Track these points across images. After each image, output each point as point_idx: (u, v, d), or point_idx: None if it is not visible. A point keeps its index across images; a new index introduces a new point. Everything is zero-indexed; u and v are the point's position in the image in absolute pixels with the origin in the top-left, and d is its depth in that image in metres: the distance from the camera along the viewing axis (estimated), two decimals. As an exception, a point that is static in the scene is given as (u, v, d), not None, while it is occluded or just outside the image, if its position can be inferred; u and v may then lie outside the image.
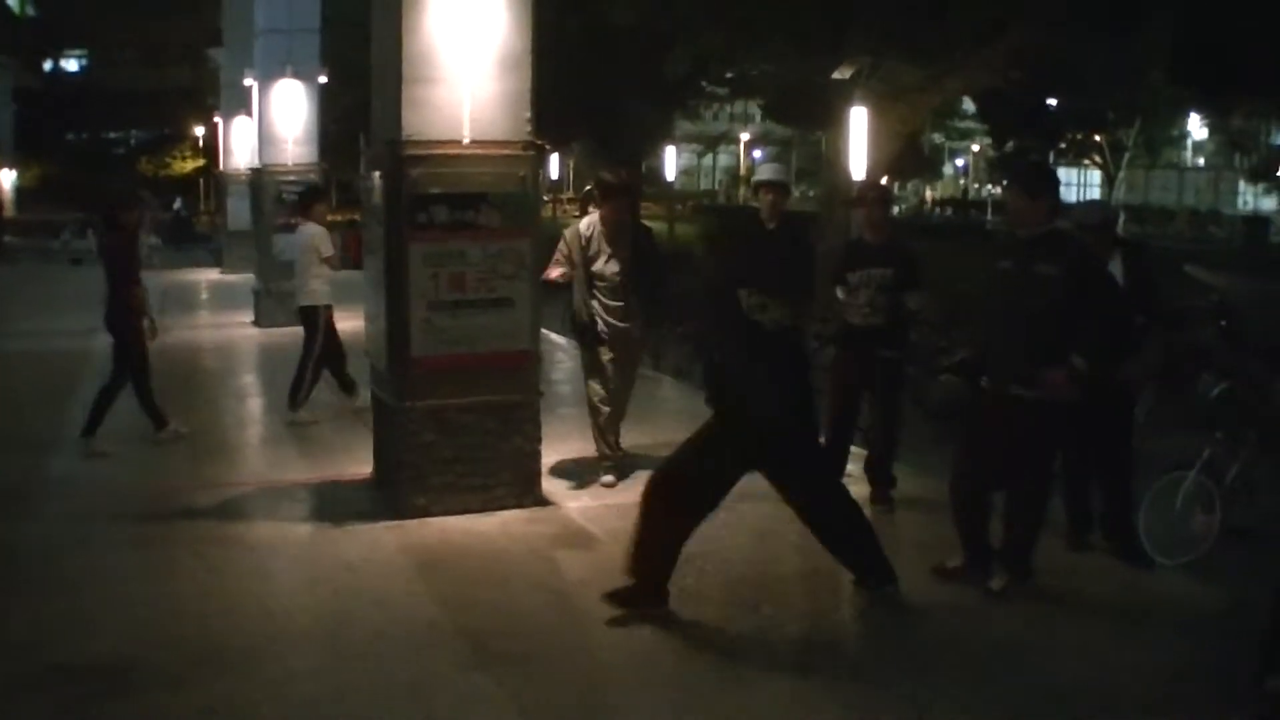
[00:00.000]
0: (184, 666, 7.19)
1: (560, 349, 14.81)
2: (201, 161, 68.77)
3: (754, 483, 10.99)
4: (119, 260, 12.91)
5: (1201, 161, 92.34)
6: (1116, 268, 8.88)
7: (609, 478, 11.16)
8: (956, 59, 25.85)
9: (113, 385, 12.92)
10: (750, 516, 10.06)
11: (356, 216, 25.78)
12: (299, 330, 14.54)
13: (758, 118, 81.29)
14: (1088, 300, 7.95)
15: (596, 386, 11.15)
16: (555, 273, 11.02)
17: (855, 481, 10.61)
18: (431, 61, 9.77)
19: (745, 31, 27.67)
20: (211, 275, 34.13)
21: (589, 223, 11.14)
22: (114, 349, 13.03)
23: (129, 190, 14.89)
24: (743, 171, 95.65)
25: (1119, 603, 8.42)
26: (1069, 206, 9.06)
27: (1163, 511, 9.37)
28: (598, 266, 11.00)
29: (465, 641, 7.52)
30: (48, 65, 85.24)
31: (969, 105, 77.31)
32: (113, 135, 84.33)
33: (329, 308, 14.14)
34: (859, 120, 23.02)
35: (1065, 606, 8.24)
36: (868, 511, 10.18)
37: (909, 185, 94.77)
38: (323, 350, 14.14)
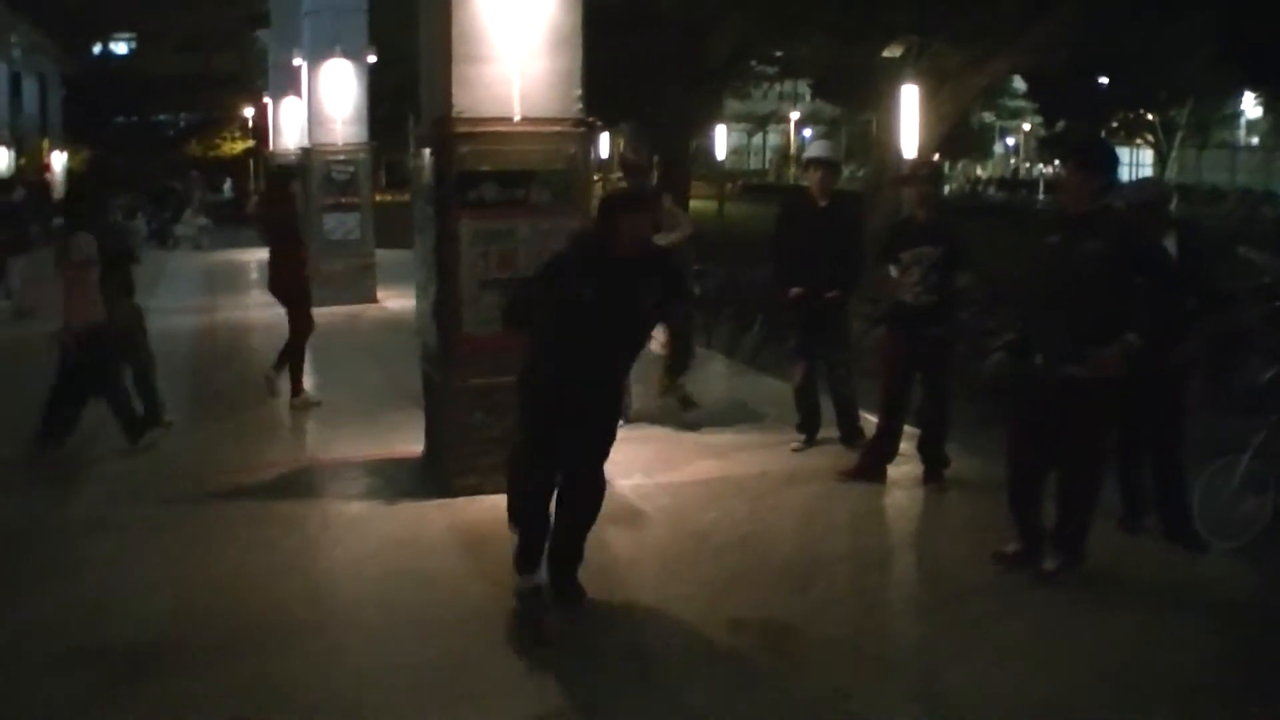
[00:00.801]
0: (228, 644, 7.22)
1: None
2: (250, 143, 68.89)
3: (800, 464, 11.01)
4: (286, 227, 13.69)
5: (1255, 141, 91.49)
6: (1170, 246, 8.78)
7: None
8: (1004, 38, 25.70)
9: (294, 343, 13.84)
10: (797, 498, 10.05)
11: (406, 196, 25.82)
12: (348, 309, 14.64)
13: (807, 97, 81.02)
14: (1138, 279, 7.86)
15: None
16: None
17: (908, 461, 10.58)
18: (481, 39, 9.73)
19: (787, 14, 27.61)
20: (261, 255, 34.17)
21: None
22: (288, 312, 13.89)
23: (288, 166, 15.46)
24: (792, 150, 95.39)
25: (1170, 586, 8.32)
26: (1120, 185, 8.94)
27: (1215, 495, 9.28)
28: None
29: (512, 620, 7.50)
30: (96, 49, 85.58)
31: (1020, 84, 76.90)
32: (161, 118, 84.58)
33: None
34: (909, 99, 22.91)
35: (1116, 589, 8.16)
36: (920, 491, 10.20)
37: (959, 165, 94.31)
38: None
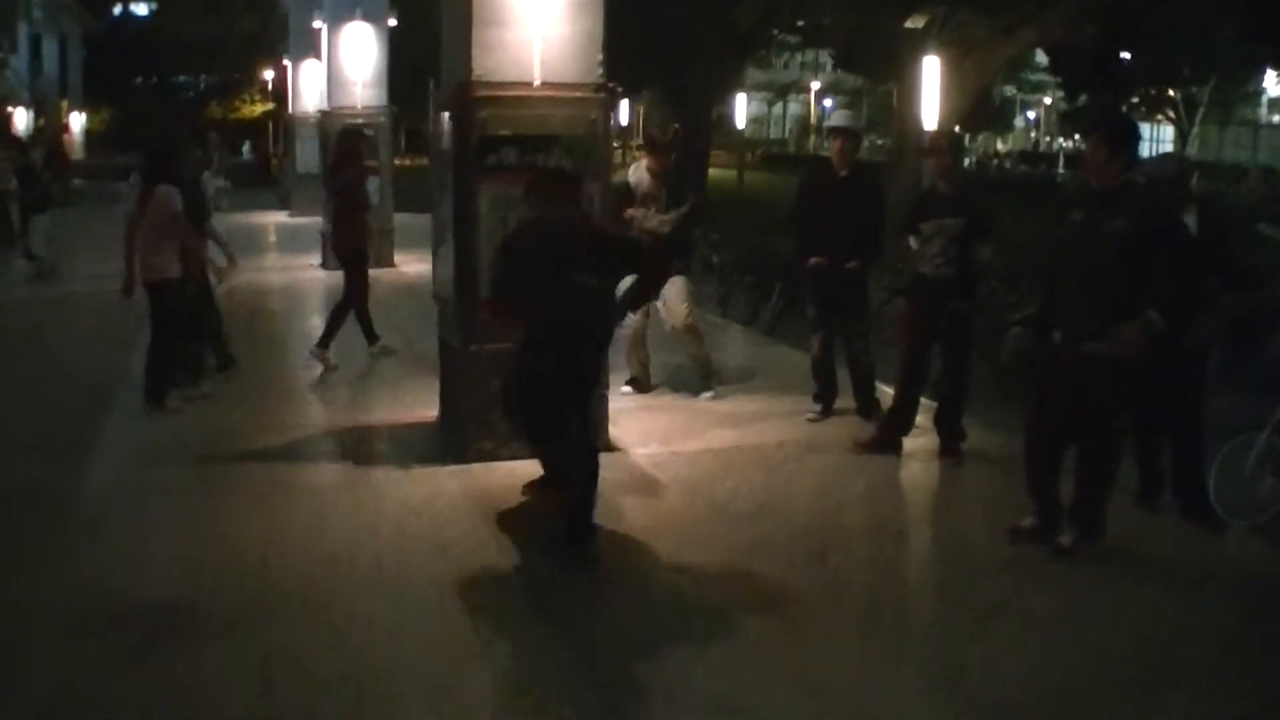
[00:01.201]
0: (243, 611, 7.20)
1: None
2: (270, 105, 68.86)
3: (820, 432, 11.00)
4: (354, 189, 13.99)
5: (1277, 119, 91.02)
6: (1191, 223, 8.72)
7: (626, 388, 12.27)
8: (1029, 10, 25.61)
9: (345, 304, 14.15)
10: (814, 469, 10.03)
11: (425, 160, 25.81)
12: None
13: (829, 67, 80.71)
14: (1160, 255, 7.81)
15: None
16: (630, 213, 11.65)
17: (924, 434, 10.55)
18: (502, 3, 9.68)
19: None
20: (279, 218, 34.22)
21: (636, 174, 11.98)
22: (345, 273, 14.32)
23: (356, 127, 15.63)
24: (813, 120, 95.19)
25: (1186, 564, 8.28)
26: (1141, 161, 8.88)
27: (1232, 473, 9.24)
28: (642, 213, 11.72)
29: (528, 588, 7.50)
30: (116, 10, 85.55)
31: (1041, 58, 76.54)
32: (181, 79, 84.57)
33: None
34: (931, 70, 22.83)
35: (1132, 566, 8.12)
36: (936, 464, 10.16)
37: (979, 138, 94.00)
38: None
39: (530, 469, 9.19)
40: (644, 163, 12.09)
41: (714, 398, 12.18)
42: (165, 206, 11.57)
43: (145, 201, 11.73)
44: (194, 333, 12.35)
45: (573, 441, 8.12)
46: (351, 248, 14.15)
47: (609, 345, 8.79)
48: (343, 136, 15.42)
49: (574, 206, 8.47)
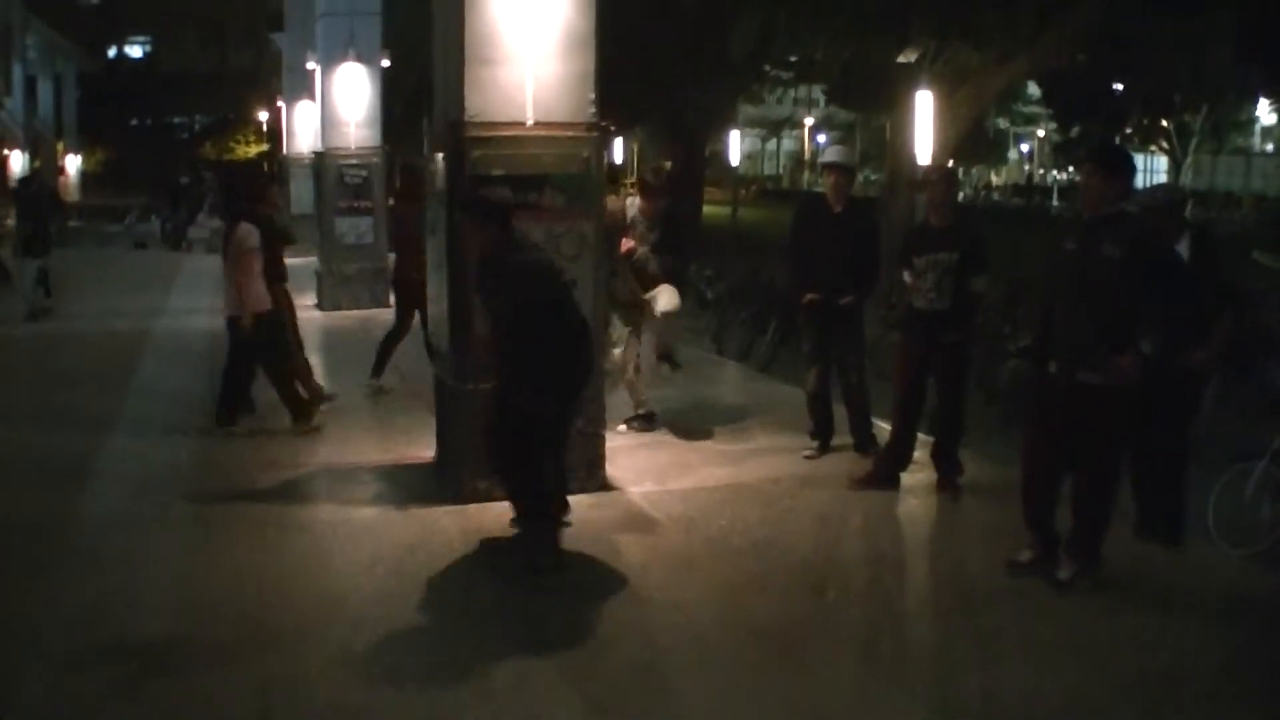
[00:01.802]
0: (239, 645, 7.20)
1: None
2: (265, 145, 69.10)
3: (817, 468, 10.99)
4: (414, 226, 13.74)
5: (1270, 147, 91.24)
6: (1184, 251, 8.73)
7: (622, 427, 12.19)
8: (1021, 41, 25.70)
9: (395, 336, 14.57)
10: (810, 505, 10.01)
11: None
12: (362, 313, 14.80)
13: (821, 102, 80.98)
14: (1153, 283, 7.82)
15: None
16: (627, 246, 11.86)
17: (922, 468, 10.53)
18: (494, 42, 9.71)
19: (808, 11, 27.60)
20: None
21: (632, 208, 12.13)
22: (399, 309, 14.60)
23: (414, 163, 15.90)
24: (806, 156, 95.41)
25: (1186, 592, 8.27)
26: (1135, 191, 8.90)
27: (1231, 501, 9.23)
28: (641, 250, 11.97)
29: (524, 625, 7.48)
30: (111, 51, 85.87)
31: (1034, 89, 76.77)
32: (176, 120, 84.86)
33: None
34: (924, 104, 22.91)
35: (1132, 595, 8.09)
36: (934, 498, 10.15)
37: (973, 170, 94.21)
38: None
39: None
40: (637, 200, 12.21)
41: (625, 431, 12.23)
42: (245, 242, 12.11)
43: (229, 238, 12.40)
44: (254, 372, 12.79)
45: (552, 474, 8.47)
46: (408, 284, 14.16)
47: None
48: (405, 173, 15.67)
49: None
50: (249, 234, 12.13)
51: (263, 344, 12.28)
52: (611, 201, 11.92)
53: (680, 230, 12.62)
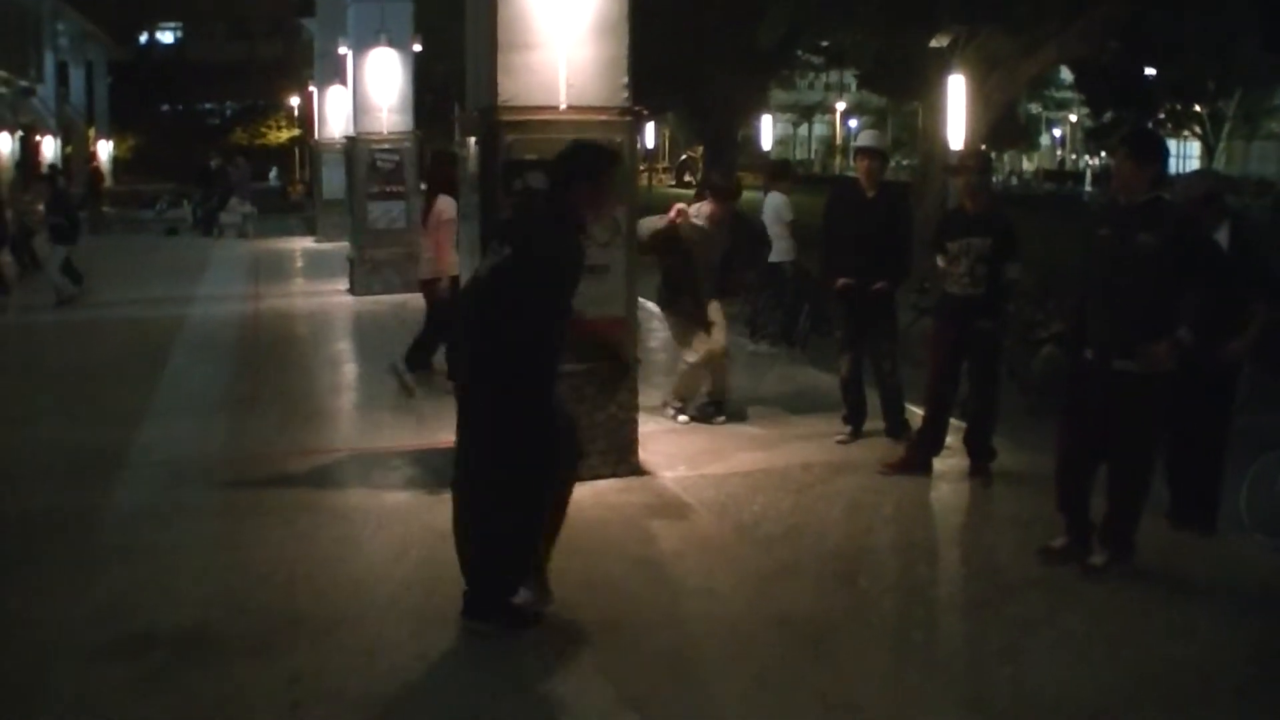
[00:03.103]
0: (270, 634, 7.19)
1: (656, 318, 14.79)
2: (296, 131, 69.18)
3: (849, 454, 10.97)
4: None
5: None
6: (1223, 238, 8.67)
7: (683, 417, 12.24)
8: (1052, 28, 25.57)
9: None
10: (843, 491, 9.99)
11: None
12: (394, 298, 14.81)
13: (853, 87, 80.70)
14: (1191, 271, 7.77)
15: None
16: (674, 211, 12.02)
17: (954, 454, 10.50)
18: (527, 27, 9.69)
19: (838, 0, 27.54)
20: (305, 243, 34.35)
21: (698, 216, 12.10)
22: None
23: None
24: (838, 141, 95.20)
25: (1219, 582, 8.21)
26: (1171, 178, 8.84)
27: (1263, 490, 9.18)
28: (700, 250, 12.00)
29: (556, 610, 7.46)
30: (142, 38, 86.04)
31: (1066, 75, 76.39)
32: (207, 106, 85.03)
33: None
34: (956, 89, 22.81)
35: (1164, 585, 8.06)
36: (966, 485, 10.12)
37: (1005, 156, 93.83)
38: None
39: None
40: (704, 207, 12.20)
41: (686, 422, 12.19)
42: (444, 214, 13.54)
43: (428, 211, 14.05)
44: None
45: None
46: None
47: None
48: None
49: None
50: (448, 207, 13.33)
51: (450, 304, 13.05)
52: (683, 223, 11.98)
53: (756, 238, 12.61)
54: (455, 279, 12.89)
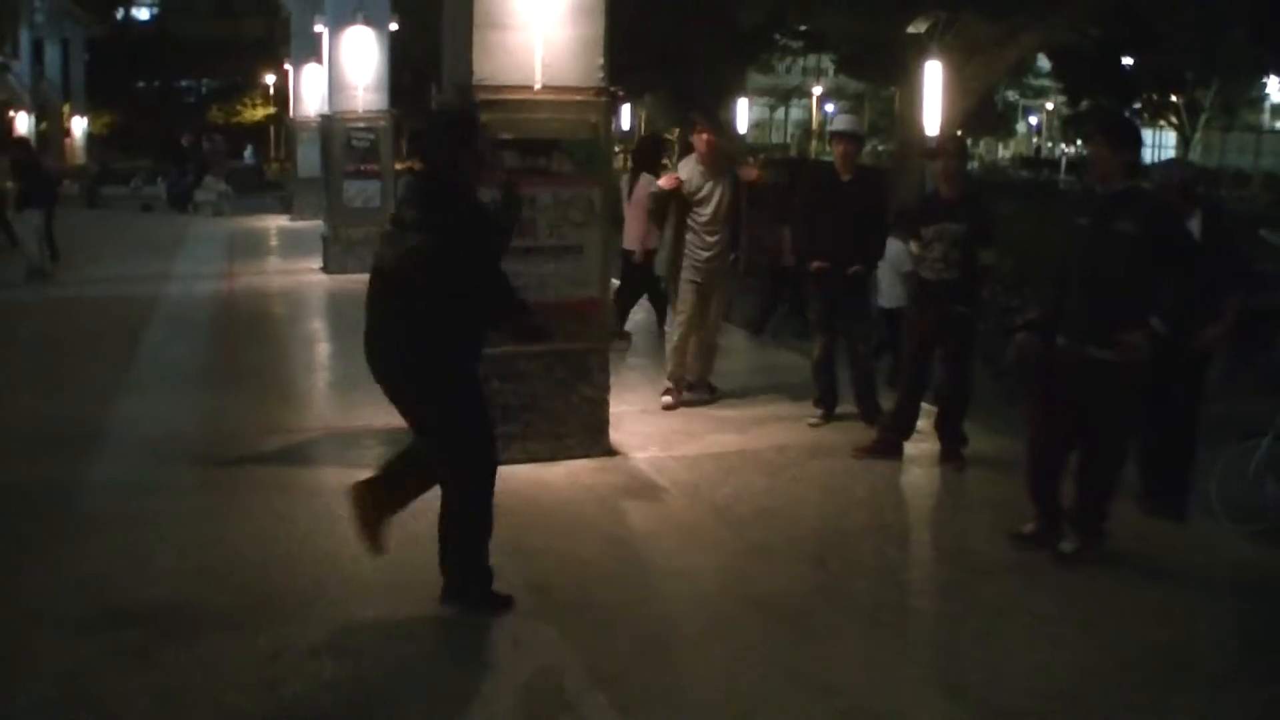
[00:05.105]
0: (245, 611, 7.18)
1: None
2: (272, 109, 68.84)
3: (822, 437, 10.99)
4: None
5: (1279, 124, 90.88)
6: (1195, 228, 8.70)
7: (668, 398, 12.04)
8: (1033, 14, 25.59)
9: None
10: (815, 473, 10.01)
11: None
12: (367, 276, 14.71)
13: (830, 72, 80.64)
14: (1166, 261, 7.79)
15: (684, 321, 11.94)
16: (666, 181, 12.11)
17: (926, 438, 10.53)
18: (504, 6, 9.67)
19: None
20: (280, 222, 34.23)
21: (686, 167, 11.90)
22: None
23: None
24: (814, 126, 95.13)
25: (1190, 568, 8.27)
26: (1146, 167, 8.87)
27: (1236, 478, 9.23)
28: (700, 204, 11.71)
29: (529, 590, 7.46)
30: (119, 14, 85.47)
31: (1044, 63, 76.45)
32: (183, 84, 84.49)
33: None
34: (933, 75, 22.83)
35: (1138, 570, 8.10)
36: (938, 469, 10.14)
37: (981, 143, 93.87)
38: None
39: (529, 473, 9.29)
40: (691, 158, 12.03)
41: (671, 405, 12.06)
42: (645, 190, 13.84)
43: (632, 188, 14.82)
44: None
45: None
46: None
47: None
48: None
49: None
50: (649, 184, 13.75)
51: (646, 273, 14.53)
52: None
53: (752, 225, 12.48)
54: (653, 251, 13.93)
